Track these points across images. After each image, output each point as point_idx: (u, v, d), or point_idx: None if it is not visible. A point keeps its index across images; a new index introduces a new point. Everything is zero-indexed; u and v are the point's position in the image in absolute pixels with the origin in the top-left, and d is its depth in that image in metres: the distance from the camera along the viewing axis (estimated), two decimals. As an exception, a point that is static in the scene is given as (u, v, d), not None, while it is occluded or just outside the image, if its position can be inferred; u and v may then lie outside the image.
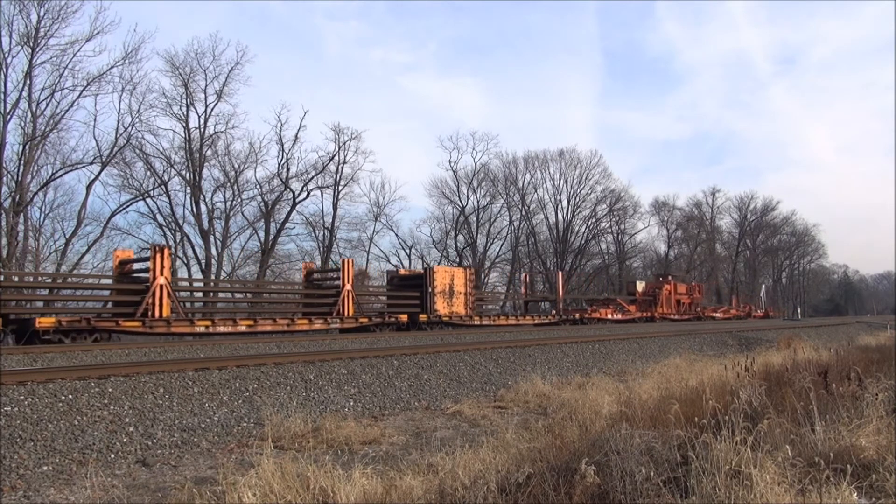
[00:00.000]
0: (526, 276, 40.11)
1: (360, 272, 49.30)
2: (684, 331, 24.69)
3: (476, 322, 27.56)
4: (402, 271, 31.56)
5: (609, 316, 37.61)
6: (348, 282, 23.48)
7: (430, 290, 26.07)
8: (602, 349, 16.37)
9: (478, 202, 58.87)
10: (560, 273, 40.09)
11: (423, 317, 25.59)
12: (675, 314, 43.79)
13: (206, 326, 19.53)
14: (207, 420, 7.76)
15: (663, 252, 73.00)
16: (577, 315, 35.63)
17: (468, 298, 27.76)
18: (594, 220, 64.44)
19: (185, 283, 30.00)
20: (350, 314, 23.26)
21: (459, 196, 58.47)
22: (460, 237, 58.30)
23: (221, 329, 19.76)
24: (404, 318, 24.96)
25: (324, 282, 25.91)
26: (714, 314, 50.54)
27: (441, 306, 26.43)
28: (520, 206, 61.52)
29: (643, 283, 44.31)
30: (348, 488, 4.33)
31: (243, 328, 20.33)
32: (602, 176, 63.36)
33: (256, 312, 23.08)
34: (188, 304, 22.49)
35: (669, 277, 46.81)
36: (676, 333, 22.47)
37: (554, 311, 35.31)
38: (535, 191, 63.03)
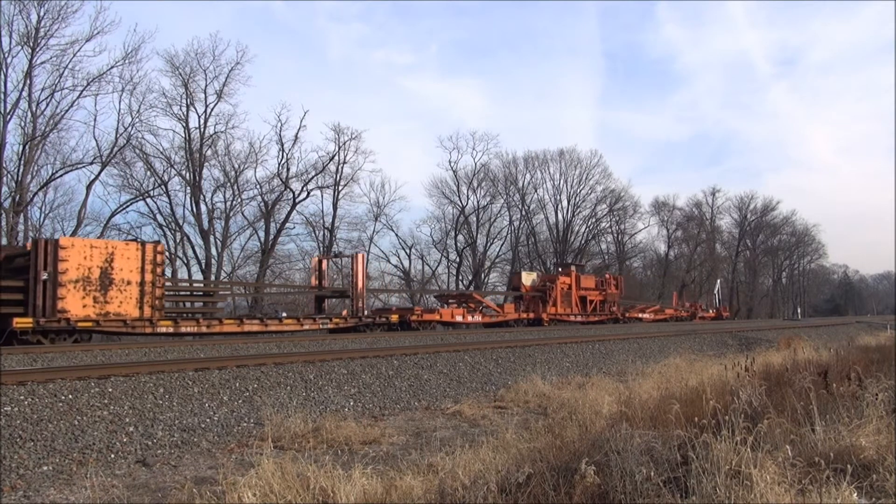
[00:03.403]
0: (317, 259, 27.03)
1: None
2: (684, 331, 24.83)
3: (163, 329, 18.08)
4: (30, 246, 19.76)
5: (458, 318, 27.63)
6: None
7: (45, 276, 16.19)
8: (602, 349, 16.52)
9: (478, 202, 58.89)
10: (360, 256, 26.19)
11: (22, 322, 15.64)
12: (578, 315, 34.86)
13: None
14: (207, 420, 7.76)
15: (663, 252, 73.12)
16: (394, 317, 25.43)
17: (149, 291, 17.91)
18: (594, 220, 64.59)
19: None
20: None
21: (459, 196, 58.46)
22: (460, 237, 58.39)
23: None
24: None
25: None
26: (641, 315, 41.94)
27: (76, 304, 16.51)
28: (520, 206, 61.58)
29: (533, 275, 35.12)
30: (348, 488, 4.33)
31: None
32: (602, 176, 63.44)
33: None
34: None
35: (571, 268, 36.84)
36: (676, 333, 22.65)
37: (345, 312, 25.58)
38: (535, 191, 63.07)
